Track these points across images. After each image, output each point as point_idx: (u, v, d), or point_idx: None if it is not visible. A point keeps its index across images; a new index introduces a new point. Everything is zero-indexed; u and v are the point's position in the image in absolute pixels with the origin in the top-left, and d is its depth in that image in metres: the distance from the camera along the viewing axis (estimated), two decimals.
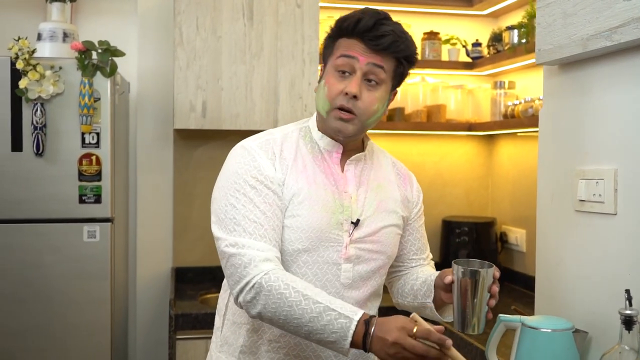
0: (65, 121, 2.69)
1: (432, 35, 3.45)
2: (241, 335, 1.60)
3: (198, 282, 3.27)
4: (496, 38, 3.27)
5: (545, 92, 1.84)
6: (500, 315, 1.66)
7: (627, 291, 1.40)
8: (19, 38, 2.63)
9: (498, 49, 3.24)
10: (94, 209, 2.72)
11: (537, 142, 1.88)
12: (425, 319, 1.40)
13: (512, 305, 2.59)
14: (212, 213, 1.56)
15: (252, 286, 1.42)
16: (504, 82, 3.31)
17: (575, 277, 1.68)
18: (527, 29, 2.96)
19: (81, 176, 2.71)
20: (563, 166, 1.73)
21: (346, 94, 1.52)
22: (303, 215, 1.53)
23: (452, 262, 1.53)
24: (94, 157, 2.71)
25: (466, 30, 3.56)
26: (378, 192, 1.64)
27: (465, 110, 3.52)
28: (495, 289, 1.50)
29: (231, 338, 1.62)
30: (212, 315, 2.69)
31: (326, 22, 3.13)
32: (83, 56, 2.65)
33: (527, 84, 3.27)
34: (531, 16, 2.92)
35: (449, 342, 1.33)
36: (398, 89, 1.66)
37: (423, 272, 1.72)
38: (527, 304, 2.83)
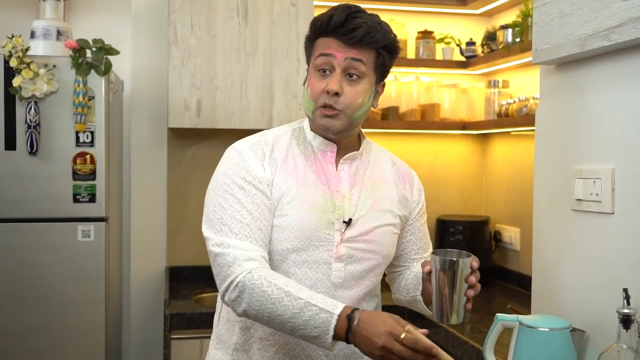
0: (60, 120, 2.67)
1: (426, 34, 3.45)
2: (235, 333, 1.61)
3: (192, 281, 3.27)
4: (490, 37, 3.27)
5: (542, 92, 1.84)
6: (497, 314, 1.66)
7: (625, 290, 1.41)
8: (13, 36, 2.62)
9: (492, 48, 3.25)
10: (88, 208, 2.71)
11: (531, 141, 1.89)
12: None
13: (508, 304, 2.60)
14: (203, 214, 1.59)
15: (236, 285, 1.45)
16: (498, 81, 3.32)
17: (572, 276, 1.68)
18: (521, 28, 2.97)
19: (75, 175, 2.69)
20: (560, 165, 1.73)
21: (327, 92, 1.53)
22: (292, 215, 1.54)
23: (431, 253, 1.53)
24: (88, 156, 2.69)
25: (460, 29, 3.57)
26: (373, 191, 1.64)
27: (460, 109, 3.53)
28: (473, 279, 1.48)
29: (225, 335, 1.64)
30: (207, 315, 2.71)
31: None
32: (77, 54, 2.63)
33: (521, 82, 3.28)
34: (525, 15, 2.93)
35: (436, 350, 1.33)
36: (385, 80, 1.65)
37: (417, 266, 1.72)
38: (521, 302, 2.84)
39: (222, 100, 3.00)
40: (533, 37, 1.77)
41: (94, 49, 2.66)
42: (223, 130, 3.12)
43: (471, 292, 1.48)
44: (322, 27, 1.54)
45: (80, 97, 2.63)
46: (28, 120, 2.63)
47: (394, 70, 3.46)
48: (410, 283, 1.70)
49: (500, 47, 3.12)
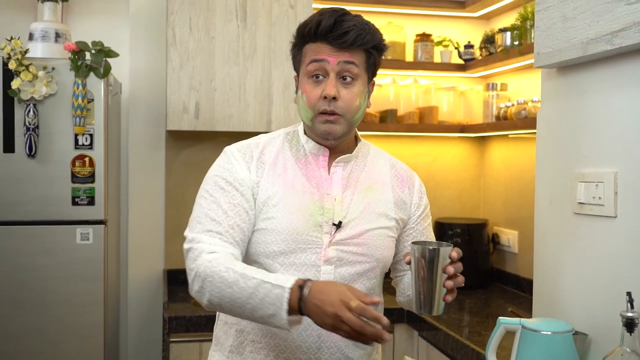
0: (58, 122, 2.67)
1: (424, 37, 3.45)
2: (231, 335, 1.62)
3: None
4: (488, 40, 3.28)
5: (544, 95, 1.85)
6: (500, 317, 1.66)
7: (629, 293, 1.41)
8: (12, 38, 2.61)
9: (490, 50, 3.25)
10: (87, 211, 2.70)
11: (530, 144, 1.90)
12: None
13: (509, 308, 2.61)
14: None
15: (198, 275, 1.46)
16: (496, 84, 3.32)
17: (574, 279, 1.69)
18: (519, 31, 2.97)
19: (74, 178, 2.68)
20: (562, 169, 1.74)
21: (325, 97, 1.53)
22: (278, 218, 1.55)
23: (411, 243, 1.50)
24: (87, 159, 2.69)
25: (458, 32, 3.57)
26: (367, 194, 1.64)
27: (458, 112, 3.53)
28: (451, 269, 1.44)
29: (222, 338, 1.65)
30: (206, 318, 2.70)
31: None
32: (76, 57, 2.62)
33: (519, 85, 3.29)
34: (524, 18, 2.93)
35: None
36: (375, 79, 1.66)
37: None
38: (519, 305, 2.84)
39: (220, 102, 3.00)
40: (535, 41, 1.78)
41: (93, 51, 2.65)
42: (221, 133, 3.11)
43: (450, 283, 1.44)
44: (311, 33, 1.55)
45: (80, 100, 2.62)
46: (27, 123, 2.62)
47: (392, 73, 3.46)
48: (407, 282, 1.71)
49: (498, 50, 3.13)
